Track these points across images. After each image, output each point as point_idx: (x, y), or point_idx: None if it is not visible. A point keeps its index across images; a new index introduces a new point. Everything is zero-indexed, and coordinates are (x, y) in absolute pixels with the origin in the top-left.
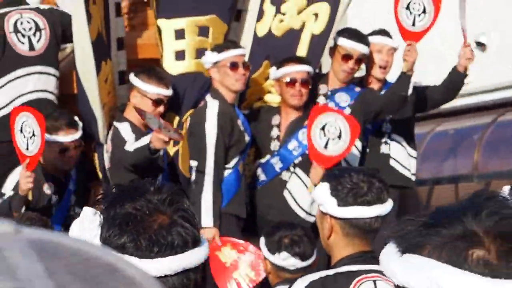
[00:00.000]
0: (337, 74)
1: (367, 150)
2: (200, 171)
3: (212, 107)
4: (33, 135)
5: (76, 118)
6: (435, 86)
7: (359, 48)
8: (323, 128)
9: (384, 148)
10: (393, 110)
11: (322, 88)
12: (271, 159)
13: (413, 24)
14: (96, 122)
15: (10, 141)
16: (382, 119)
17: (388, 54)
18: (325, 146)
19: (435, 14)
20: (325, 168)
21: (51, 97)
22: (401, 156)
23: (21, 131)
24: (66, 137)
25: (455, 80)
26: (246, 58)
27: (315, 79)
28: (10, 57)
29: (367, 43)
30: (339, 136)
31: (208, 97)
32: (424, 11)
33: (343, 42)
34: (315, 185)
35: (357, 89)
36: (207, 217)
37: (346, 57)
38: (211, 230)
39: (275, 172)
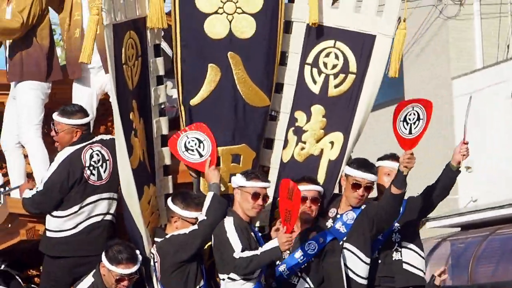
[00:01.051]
0: (349, 199)
1: (379, 260)
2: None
3: (228, 220)
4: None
5: (137, 252)
6: (429, 186)
7: (367, 177)
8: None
9: (396, 256)
10: (393, 208)
11: (332, 211)
12: (279, 266)
13: (410, 132)
14: (142, 239)
15: (74, 257)
16: (391, 230)
17: None
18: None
19: (427, 119)
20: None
21: (112, 218)
22: (413, 259)
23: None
24: (125, 270)
25: (451, 176)
26: (273, 185)
27: (332, 198)
28: (83, 187)
29: (374, 172)
30: (418, 118)
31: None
32: (418, 118)
33: (352, 172)
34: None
35: (363, 207)
36: None
37: (356, 185)
38: None
39: (283, 278)
